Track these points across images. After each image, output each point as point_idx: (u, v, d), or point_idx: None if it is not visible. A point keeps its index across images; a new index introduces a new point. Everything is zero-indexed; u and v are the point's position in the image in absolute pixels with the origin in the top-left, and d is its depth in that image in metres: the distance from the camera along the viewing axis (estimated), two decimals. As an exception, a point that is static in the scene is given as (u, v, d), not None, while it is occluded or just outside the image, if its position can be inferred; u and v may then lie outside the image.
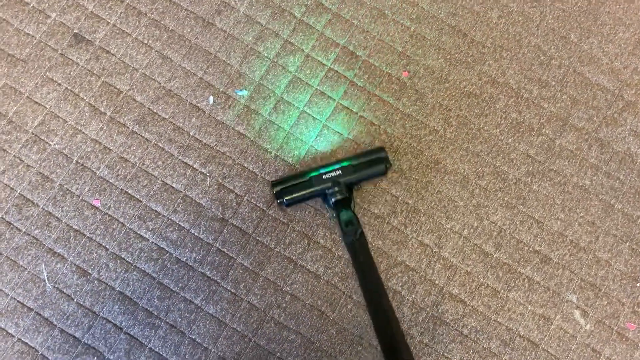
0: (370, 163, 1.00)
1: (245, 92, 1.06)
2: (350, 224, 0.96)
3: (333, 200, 0.98)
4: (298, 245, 1.02)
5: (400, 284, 1.00)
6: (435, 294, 1.00)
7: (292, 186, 0.99)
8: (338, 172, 0.99)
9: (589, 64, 1.10)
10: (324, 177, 0.99)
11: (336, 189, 0.98)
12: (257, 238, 1.02)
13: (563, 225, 1.04)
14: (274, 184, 1.00)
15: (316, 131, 1.06)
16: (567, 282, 1.01)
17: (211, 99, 1.05)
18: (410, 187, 1.04)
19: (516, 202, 1.04)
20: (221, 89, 1.06)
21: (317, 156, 1.04)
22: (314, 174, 0.99)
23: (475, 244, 1.02)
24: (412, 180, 1.04)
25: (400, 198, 1.03)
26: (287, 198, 0.99)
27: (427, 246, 1.02)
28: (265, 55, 1.08)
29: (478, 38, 1.10)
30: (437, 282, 1.01)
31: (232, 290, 1.00)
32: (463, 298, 1.00)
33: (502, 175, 1.05)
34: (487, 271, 1.02)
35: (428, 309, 0.99)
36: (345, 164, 1.00)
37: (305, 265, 1.01)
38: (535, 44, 1.11)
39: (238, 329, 0.98)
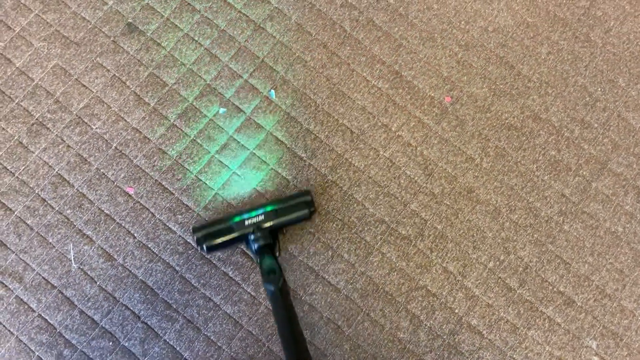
0: (294, 208, 0.97)
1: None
2: (272, 273, 0.84)
3: (255, 246, 0.93)
4: (322, 256, 1.02)
5: (419, 308, 1.00)
6: (453, 322, 0.99)
7: (214, 232, 0.96)
8: (260, 218, 0.95)
9: (634, 110, 1.09)
10: (246, 222, 0.95)
11: (259, 234, 0.93)
12: (283, 245, 1.02)
13: (590, 270, 1.02)
14: (195, 229, 0.97)
15: (352, 146, 1.06)
16: (588, 328, 1.00)
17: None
18: (440, 212, 1.03)
19: (545, 240, 1.03)
20: (264, 93, 1.08)
21: (348, 169, 1.05)
22: (236, 219, 0.96)
23: (500, 278, 1.01)
24: (443, 205, 1.04)
25: (429, 222, 1.03)
26: (207, 244, 0.95)
27: (451, 273, 1.01)
28: (312, 65, 1.09)
29: (525, 72, 1.10)
30: (457, 310, 1.00)
31: (252, 293, 1.00)
32: (481, 330, 0.99)
33: (534, 212, 1.04)
34: (509, 306, 1.01)
35: (445, 337, 0.99)
36: (268, 208, 0.96)
37: (327, 277, 1.01)
38: (582, 84, 1.10)
39: (253, 332, 0.99)
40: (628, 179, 1.06)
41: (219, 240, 0.95)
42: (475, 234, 1.03)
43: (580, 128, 1.08)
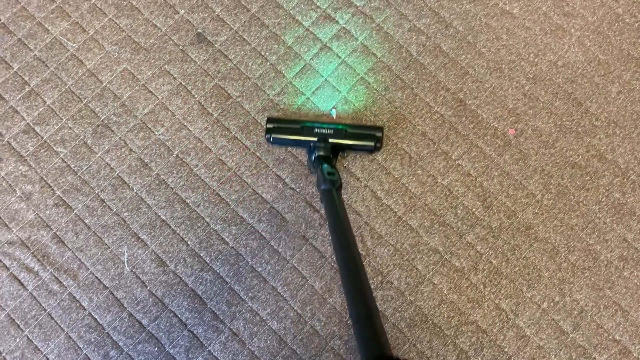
0: (362, 136, 1.00)
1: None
2: (332, 174, 0.89)
3: (315, 154, 0.97)
4: (371, 280, 1.01)
5: (468, 344, 0.97)
6: (502, 361, 0.97)
7: (284, 128, 1.01)
8: (329, 131, 1.00)
9: None
10: (315, 130, 1.00)
11: (322, 144, 0.98)
12: (332, 264, 1.01)
13: (650, 320, 0.98)
14: (270, 119, 1.02)
15: (410, 171, 1.05)
16: (644, 380, 0.96)
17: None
18: (497, 247, 1.01)
19: (603, 285, 1.00)
20: (324, 112, 1.08)
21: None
22: (307, 124, 1.01)
23: (553, 319, 0.99)
24: (500, 240, 1.01)
25: (484, 256, 1.01)
26: (274, 136, 1.01)
27: (503, 311, 0.99)
28: (375, 87, 1.09)
29: (593, 110, 1.07)
30: (506, 349, 0.97)
31: (299, 311, 0.99)
32: (530, 372, 0.96)
33: (594, 255, 1.01)
34: (560, 350, 0.97)
35: (493, 375, 0.96)
36: (339, 127, 1.00)
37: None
38: (652, 127, 1.07)
39: (297, 351, 0.98)
40: (696, 229, 1.02)
41: (285, 136, 1.01)
42: (531, 272, 1.00)
43: (647, 172, 1.05)
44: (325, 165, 0.92)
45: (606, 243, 1.02)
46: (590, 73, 1.09)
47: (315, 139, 0.99)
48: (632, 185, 1.04)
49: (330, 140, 0.99)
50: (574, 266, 1.01)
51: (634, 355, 0.97)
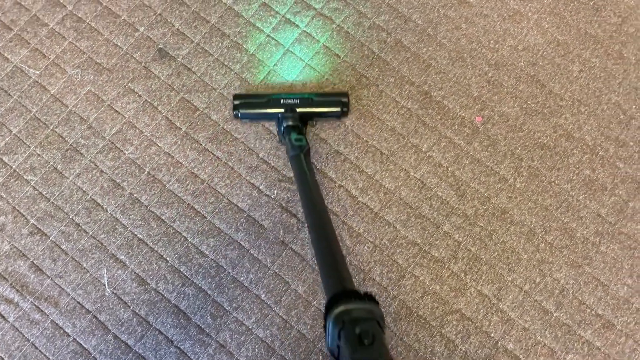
0: (329, 103, 1.03)
1: None
2: (300, 140, 0.95)
3: (285, 125, 1.00)
4: (353, 279, 1.01)
5: (454, 333, 0.98)
6: (489, 347, 0.98)
7: (250, 103, 1.03)
8: (296, 101, 1.02)
9: (671, 127, 1.07)
10: (282, 101, 1.02)
11: (290, 114, 1.00)
12: (314, 266, 1.02)
13: (630, 292, 1.00)
14: (236, 96, 1.04)
15: (383, 167, 1.06)
16: (629, 352, 0.97)
17: None
18: (474, 234, 1.02)
19: (582, 262, 1.01)
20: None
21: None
22: (274, 97, 1.03)
23: (536, 300, 1.00)
24: (476, 227, 1.02)
25: (462, 244, 1.02)
26: (241, 111, 1.03)
27: (486, 297, 1.00)
28: (340, 87, 1.09)
29: (556, 90, 1.09)
30: (492, 334, 0.98)
31: (284, 317, 1.00)
32: (518, 354, 0.97)
33: (570, 233, 1.02)
34: (546, 329, 0.98)
35: (481, 362, 0.97)
36: (305, 95, 1.03)
37: (360, 300, 1.00)
38: (616, 102, 1.08)
39: (286, 357, 0.98)
40: (666, 198, 1.04)
41: (253, 110, 1.03)
42: (510, 256, 1.01)
43: (615, 146, 1.06)
44: (293, 134, 0.97)
45: (581, 220, 1.03)
46: (550, 54, 1.11)
47: (282, 110, 1.02)
48: (601, 161, 1.06)
49: (298, 109, 1.01)
50: (551, 246, 1.02)
51: (618, 328, 0.98)
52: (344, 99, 1.04)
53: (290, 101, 1.02)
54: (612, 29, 1.12)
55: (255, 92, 1.08)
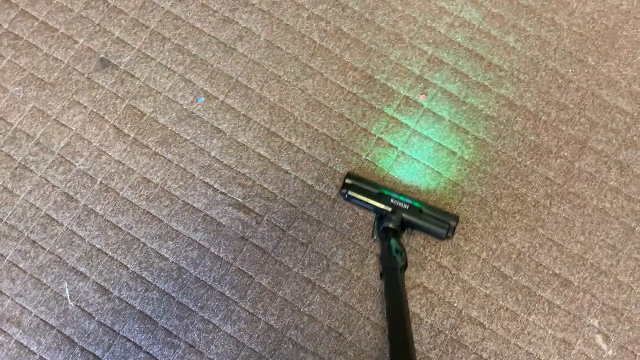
0: (437, 221, 1.00)
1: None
2: (399, 252, 0.96)
3: (385, 225, 0.99)
4: (317, 266, 1.02)
5: (418, 306, 1.00)
6: (454, 316, 1.00)
7: (362, 188, 1.02)
8: (405, 206, 1.00)
9: (607, 87, 1.10)
10: (392, 200, 1.01)
11: (394, 217, 0.99)
12: (276, 258, 1.02)
13: (583, 249, 1.03)
14: (349, 175, 1.03)
15: (335, 153, 1.07)
16: (588, 306, 1.00)
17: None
18: (429, 209, 1.04)
19: (535, 225, 1.04)
20: (242, 112, 1.09)
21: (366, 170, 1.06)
22: (385, 192, 1.02)
23: (494, 267, 1.02)
24: (430, 201, 1.04)
25: (418, 220, 1.03)
26: (350, 193, 1.01)
27: (446, 268, 1.02)
28: (285, 79, 1.10)
29: (495, 62, 1.12)
30: (455, 304, 1.00)
31: (250, 310, 1.00)
32: (482, 321, 0.99)
33: (521, 198, 1.05)
34: (507, 294, 1.01)
35: (447, 332, 0.99)
36: (416, 204, 1.01)
37: (324, 286, 1.01)
38: (553, 68, 1.11)
39: (256, 349, 0.98)
40: (609, 155, 1.07)
41: (362, 197, 1.01)
42: (465, 226, 1.04)
43: (556, 110, 1.09)
44: (394, 241, 0.97)
45: (530, 185, 1.06)
46: (486, 28, 1.14)
47: (389, 209, 1.00)
48: (544, 126, 1.09)
49: (404, 215, 1.00)
50: (504, 212, 1.04)
51: (575, 284, 1.01)
52: (453, 223, 1.00)
53: (399, 204, 1.00)
54: (543, -3, 1.15)
55: (369, 179, 1.05)
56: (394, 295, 0.93)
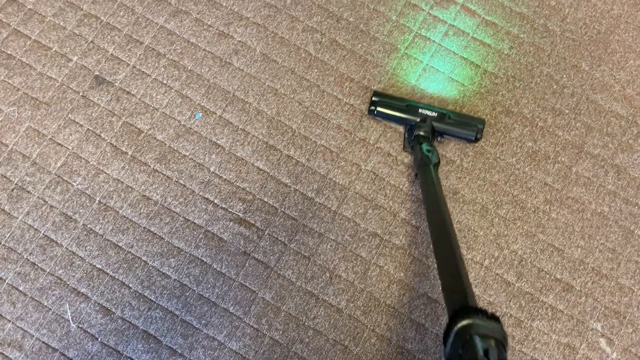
0: (465, 125, 1.04)
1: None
2: (431, 152, 0.97)
3: (416, 133, 1.01)
4: (320, 279, 1.02)
5: (423, 317, 1.00)
6: (458, 325, 1.00)
7: (388, 103, 1.05)
8: (433, 114, 1.04)
9: (601, 91, 1.11)
10: (420, 110, 1.04)
11: (423, 125, 1.02)
12: (279, 272, 1.02)
13: (584, 253, 1.04)
14: (376, 93, 1.07)
15: (334, 164, 1.07)
16: (590, 310, 1.01)
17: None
18: (430, 218, 1.04)
19: (535, 231, 1.05)
20: (240, 126, 1.08)
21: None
22: (412, 103, 1.05)
23: (497, 274, 1.02)
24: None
25: (420, 228, 1.04)
26: (378, 109, 1.05)
27: (449, 277, 1.02)
28: (282, 92, 1.10)
29: (490, 69, 1.12)
30: (460, 313, 1.00)
31: (255, 326, 1.00)
32: (487, 329, 0.99)
33: (521, 204, 1.06)
34: (510, 300, 1.01)
35: (452, 341, 0.99)
36: (444, 112, 1.04)
37: (327, 299, 1.01)
38: (547, 73, 1.12)
39: (262, 365, 0.98)
40: (606, 159, 1.08)
41: (390, 111, 1.05)
42: (467, 235, 1.04)
43: (552, 116, 1.10)
44: (424, 144, 0.98)
45: (529, 191, 1.06)
46: (481, 35, 1.14)
47: (418, 119, 1.03)
48: (541, 132, 1.09)
49: (433, 123, 1.03)
50: (505, 219, 1.05)
51: (577, 289, 1.02)
52: (480, 125, 1.04)
53: (428, 112, 1.04)
54: (535, 4, 1.16)
55: (392, 94, 1.09)
56: (430, 192, 0.91)
